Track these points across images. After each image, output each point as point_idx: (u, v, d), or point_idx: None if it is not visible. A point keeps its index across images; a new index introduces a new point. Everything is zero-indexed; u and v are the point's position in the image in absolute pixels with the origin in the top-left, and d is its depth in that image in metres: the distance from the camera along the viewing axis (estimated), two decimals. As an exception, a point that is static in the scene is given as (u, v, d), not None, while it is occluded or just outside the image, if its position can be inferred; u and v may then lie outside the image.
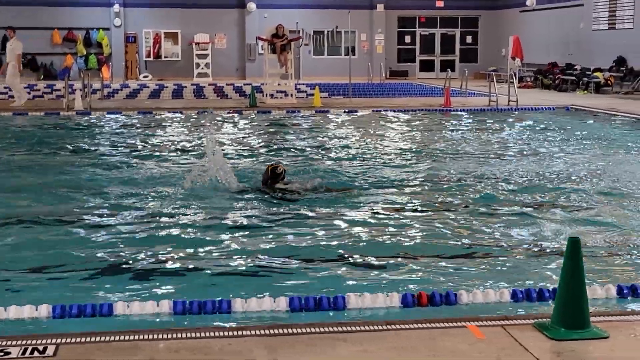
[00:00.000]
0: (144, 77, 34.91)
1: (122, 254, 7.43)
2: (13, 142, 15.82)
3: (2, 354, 4.33)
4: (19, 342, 4.49)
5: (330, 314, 5.44)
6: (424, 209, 9.43)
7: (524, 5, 34.61)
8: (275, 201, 9.68)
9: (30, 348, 4.41)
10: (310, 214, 9.01)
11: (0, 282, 6.55)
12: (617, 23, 28.30)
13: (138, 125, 19.39)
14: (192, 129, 18.52)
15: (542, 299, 5.56)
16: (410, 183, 11.15)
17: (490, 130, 18.24)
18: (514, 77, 24.05)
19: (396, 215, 9.01)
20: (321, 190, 10.07)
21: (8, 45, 23.60)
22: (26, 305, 5.43)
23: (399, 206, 9.59)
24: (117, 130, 18.29)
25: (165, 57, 35.96)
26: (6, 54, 23.91)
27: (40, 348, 4.41)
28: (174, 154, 14.25)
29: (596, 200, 9.82)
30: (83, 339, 4.55)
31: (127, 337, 4.58)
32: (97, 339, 4.57)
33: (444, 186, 10.91)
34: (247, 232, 8.20)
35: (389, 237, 8.04)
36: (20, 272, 6.87)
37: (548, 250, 7.41)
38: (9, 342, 4.48)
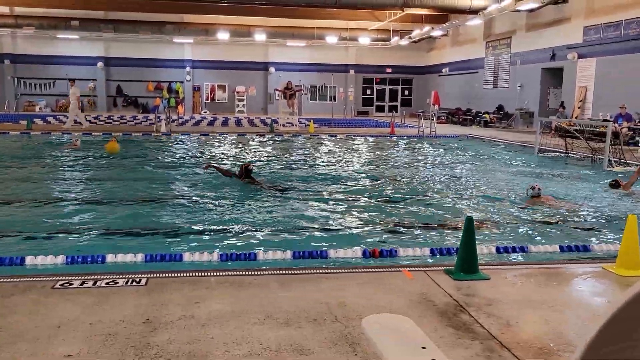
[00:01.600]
0: (204, 112, 34.73)
1: (185, 221, 7.41)
2: (128, 150, 15.80)
3: (112, 282, 4.32)
4: (124, 276, 4.48)
5: (318, 261, 5.45)
6: (374, 197, 9.42)
7: (440, 72, 34.69)
8: (250, 188, 9.75)
9: (130, 279, 4.40)
10: (278, 198, 9.00)
11: (115, 239, 6.56)
12: (498, 84, 28.38)
13: (200, 142, 19.35)
14: (233, 144, 18.48)
15: (449, 254, 5.57)
16: (365, 179, 11.16)
17: (418, 148, 18.26)
18: (434, 116, 24.09)
19: (351, 200, 8.99)
20: (272, 186, 10.05)
21: (70, 90, 23.37)
22: (129, 254, 5.43)
23: (355, 194, 9.57)
24: (187, 145, 18.27)
25: (217, 100, 35.79)
26: (69, 95, 23.61)
27: (137, 279, 4.40)
28: (222, 159, 14.22)
29: (481, 192, 9.85)
30: (163, 275, 4.54)
31: (191, 274, 4.56)
32: (172, 275, 4.56)
33: (390, 183, 10.90)
34: (251, 208, 8.19)
35: (345, 214, 8.04)
36: (126, 232, 6.86)
37: (455, 224, 7.43)
38: (118, 276, 4.47)
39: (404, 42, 31.52)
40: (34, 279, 4.38)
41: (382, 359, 1.72)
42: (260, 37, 31.70)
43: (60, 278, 4.38)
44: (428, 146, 18.90)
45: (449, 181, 11.17)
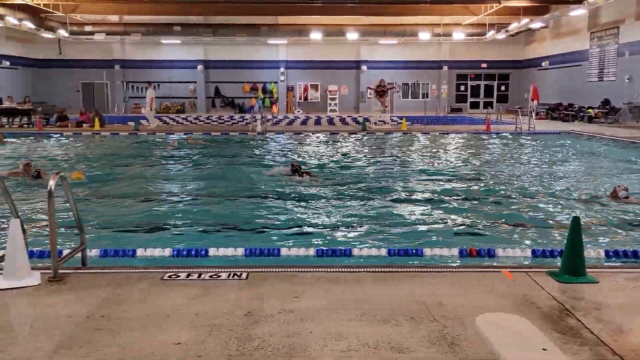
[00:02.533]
0: (297, 111, 35.30)
1: (282, 217, 7.56)
2: (227, 149, 16.39)
3: (216, 276, 4.49)
4: (226, 270, 4.64)
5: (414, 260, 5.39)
6: (469, 195, 9.18)
7: (540, 66, 33.17)
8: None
9: (232, 273, 4.55)
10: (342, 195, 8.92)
11: (217, 234, 6.82)
12: (604, 77, 26.72)
13: (293, 140, 19.71)
14: (326, 143, 18.66)
15: (552, 256, 5.33)
16: (459, 177, 10.89)
17: (515, 145, 17.57)
18: (532, 112, 23.08)
19: (446, 198, 8.79)
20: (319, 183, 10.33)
21: (147, 92, 24.29)
22: (229, 248, 5.63)
23: (449, 193, 9.34)
24: (281, 143, 18.68)
25: (310, 99, 36.26)
26: (146, 97, 24.54)
27: (238, 274, 4.54)
28: (313, 157, 14.41)
29: (585, 191, 9.34)
30: (262, 269, 4.66)
31: (289, 270, 4.66)
32: (271, 270, 4.67)
33: (486, 181, 10.60)
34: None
35: (439, 212, 7.87)
36: (228, 228, 7.11)
37: (557, 225, 7.10)
38: (220, 270, 4.64)
39: (501, 35, 30.46)
40: (145, 270, 4.64)
41: (500, 359, 1.67)
42: (352, 36, 31.78)
43: (168, 270, 4.62)
44: (526, 143, 18.15)
45: (550, 180, 10.68)
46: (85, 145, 18.05)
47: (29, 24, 26.87)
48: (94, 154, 15.24)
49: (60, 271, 4.42)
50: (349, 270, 4.62)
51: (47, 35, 29.95)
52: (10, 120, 23.63)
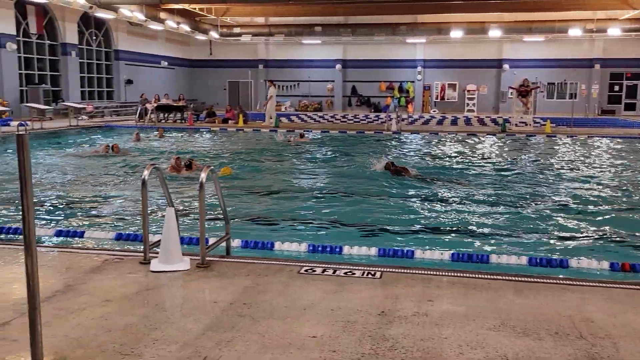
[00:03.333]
0: (433, 111, 34.71)
1: (416, 218, 7.46)
2: (361, 147, 16.59)
3: (350, 273, 4.54)
4: (360, 268, 4.68)
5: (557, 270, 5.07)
6: (621, 206, 8.43)
7: None
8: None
9: (366, 272, 4.58)
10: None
11: (349, 231, 6.91)
12: None
13: (428, 140, 19.42)
14: (462, 144, 18.16)
15: None
16: (610, 185, 10.03)
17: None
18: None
19: (593, 207, 8.15)
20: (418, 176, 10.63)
21: (269, 90, 24.52)
22: (363, 247, 5.67)
23: (597, 202, 8.66)
24: (417, 143, 18.49)
25: (447, 99, 35.47)
26: (267, 94, 24.79)
27: (372, 272, 4.56)
28: (446, 155, 14.09)
29: None
30: (396, 270, 4.64)
31: (423, 272, 4.59)
32: (405, 270, 4.63)
33: (638, 192, 9.70)
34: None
35: (585, 221, 7.30)
36: (360, 226, 7.17)
37: None
38: (355, 267, 4.69)
39: (664, 31, 27.65)
40: (283, 263, 4.82)
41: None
42: (494, 33, 30.56)
43: (305, 264, 4.75)
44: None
45: None
46: (230, 140, 19.15)
47: (185, 27, 29.03)
48: (238, 149, 16.12)
49: (207, 258, 4.73)
50: (486, 277, 4.46)
51: (200, 37, 32.17)
52: (166, 115, 25.68)
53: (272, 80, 24.95)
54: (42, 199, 8.68)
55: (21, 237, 5.98)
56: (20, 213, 2.57)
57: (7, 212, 7.82)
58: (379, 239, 6.47)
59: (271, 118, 24.12)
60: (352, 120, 29.14)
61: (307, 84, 36.35)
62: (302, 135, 18.57)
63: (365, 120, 29.09)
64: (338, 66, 35.93)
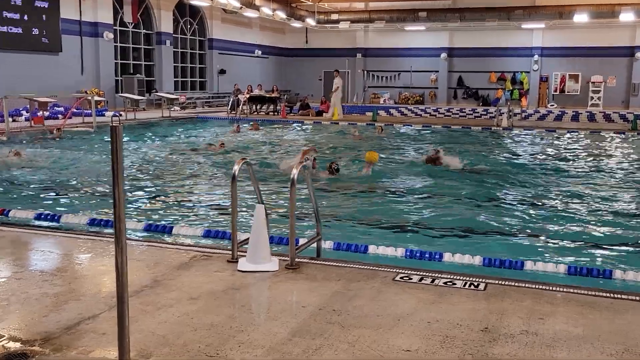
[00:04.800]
0: (551, 105, 33.27)
1: (526, 225, 7.20)
2: (464, 144, 16.23)
3: (450, 282, 4.46)
4: (462, 278, 4.58)
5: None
6: None
7: None
8: None
9: (468, 282, 4.47)
10: None
11: (451, 238, 6.78)
12: None
13: (544, 138, 18.66)
14: (584, 143, 17.29)
15: None
16: None
17: None
18: None
19: None
20: None
21: (335, 80, 24.01)
22: (466, 255, 5.55)
23: None
24: (530, 142, 17.84)
25: (567, 91, 33.86)
26: (333, 86, 24.24)
27: (475, 283, 4.44)
28: (563, 156, 13.47)
29: None
30: (502, 282, 4.49)
31: (534, 286, 4.40)
32: (513, 283, 4.46)
33: None
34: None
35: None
36: (463, 232, 7.02)
37: None
38: (456, 277, 4.59)
39: None
40: (377, 268, 4.81)
41: None
42: (626, 17, 28.75)
43: (401, 271, 4.71)
44: None
45: None
46: (323, 134, 19.34)
47: (281, 14, 29.68)
48: (333, 143, 16.26)
49: (296, 260, 4.81)
50: (608, 295, 4.22)
51: (296, 24, 32.76)
52: (259, 107, 26.39)
53: (338, 70, 24.91)
54: (133, 192, 9.19)
55: (112, 229, 6.38)
56: (112, 206, 2.73)
57: (101, 203, 8.36)
58: (482, 246, 6.32)
59: (339, 111, 24.28)
60: (457, 114, 28.54)
61: (409, 75, 36.01)
62: (381, 130, 18.46)
63: (472, 114, 28.39)
64: (443, 55, 35.33)
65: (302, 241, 5.26)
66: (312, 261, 4.97)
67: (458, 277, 4.56)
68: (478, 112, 28.86)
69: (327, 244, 5.77)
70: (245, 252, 4.82)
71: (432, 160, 11.77)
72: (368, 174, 10.71)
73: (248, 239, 4.87)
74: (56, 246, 5.42)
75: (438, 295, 4.18)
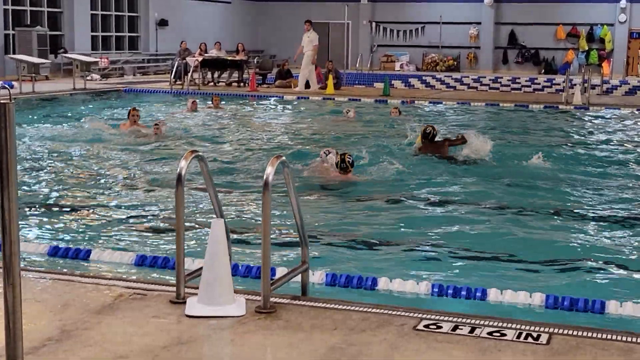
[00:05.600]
0: (645, 73, 33.55)
1: (605, 250, 7.28)
2: (517, 129, 16.30)
3: (498, 334, 4.47)
4: (514, 326, 4.59)
5: None
6: None
7: None
8: None
9: (524, 333, 4.48)
10: None
11: (497, 266, 6.82)
12: None
13: (636, 122, 18.75)
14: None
15: None
16: None
17: None
18: None
19: None
20: None
21: (305, 37, 24.57)
22: (520, 292, 5.56)
23: None
24: (615, 126, 17.92)
25: (669, 53, 34.21)
26: (304, 45, 24.74)
27: (534, 335, 4.46)
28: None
29: None
30: (573, 332, 4.51)
31: (622, 338, 4.44)
32: (590, 334, 4.50)
33: None
34: None
35: None
36: (510, 257, 7.06)
37: None
38: (505, 324, 4.61)
39: None
40: (391, 312, 4.81)
41: None
42: None
43: (425, 316, 4.72)
44: None
45: None
46: (315, 116, 19.32)
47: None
48: (328, 131, 16.23)
49: (272, 299, 4.80)
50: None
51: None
52: (217, 75, 26.35)
53: (310, 21, 25.02)
54: (29, 200, 9.15)
55: None
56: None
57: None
58: (539, 278, 6.40)
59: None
60: (507, 85, 28.64)
61: (437, 28, 36.08)
62: (398, 112, 18.38)
63: (529, 86, 28.52)
64: (487, 0, 35.43)
65: (280, 272, 5.25)
66: (295, 301, 4.97)
67: (509, 325, 4.58)
68: (539, 83, 28.98)
69: (316, 276, 5.77)
70: (197, 288, 4.81)
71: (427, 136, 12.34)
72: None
73: (200, 269, 4.86)
74: None
75: (481, 352, 4.19)
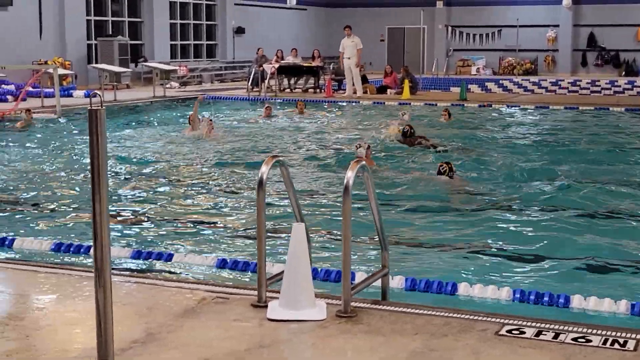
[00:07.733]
0: None
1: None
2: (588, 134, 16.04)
3: (583, 340, 4.39)
4: (600, 331, 4.51)
5: None
6: None
7: None
8: None
9: (610, 339, 4.39)
10: None
11: (582, 275, 6.70)
12: None
13: None
14: None
15: None
16: None
17: None
18: None
19: None
20: None
21: (349, 42, 24.35)
22: (605, 298, 5.45)
23: None
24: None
25: None
26: (345, 49, 24.52)
27: (621, 341, 4.36)
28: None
29: None
30: (664, 339, 4.41)
31: None
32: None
33: None
34: None
35: None
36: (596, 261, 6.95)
37: None
38: (591, 330, 4.52)
39: None
40: (472, 317, 4.76)
41: None
42: None
43: (507, 321, 4.65)
44: None
45: None
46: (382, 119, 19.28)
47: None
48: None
49: (352, 304, 4.79)
50: None
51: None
52: (293, 81, 26.49)
53: (349, 26, 24.95)
54: (114, 204, 9.34)
55: (83, 259, 6.48)
56: (92, 229, 2.78)
57: (71, 222, 8.52)
58: (627, 282, 6.29)
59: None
60: (587, 88, 28.12)
61: (514, 32, 35.67)
62: (448, 115, 17.97)
63: (609, 89, 27.97)
64: (566, 2, 34.91)
65: (359, 276, 5.24)
66: (376, 306, 4.95)
67: (594, 331, 4.49)
68: (619, 86, 28.44)
69: (397, 281, 5.74)
70: (278, 292, 4.83)
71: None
72: None
73: (281, 273, 4.88)
74: (7, 283, 5.53)
75: (565, 358, 4.12)
